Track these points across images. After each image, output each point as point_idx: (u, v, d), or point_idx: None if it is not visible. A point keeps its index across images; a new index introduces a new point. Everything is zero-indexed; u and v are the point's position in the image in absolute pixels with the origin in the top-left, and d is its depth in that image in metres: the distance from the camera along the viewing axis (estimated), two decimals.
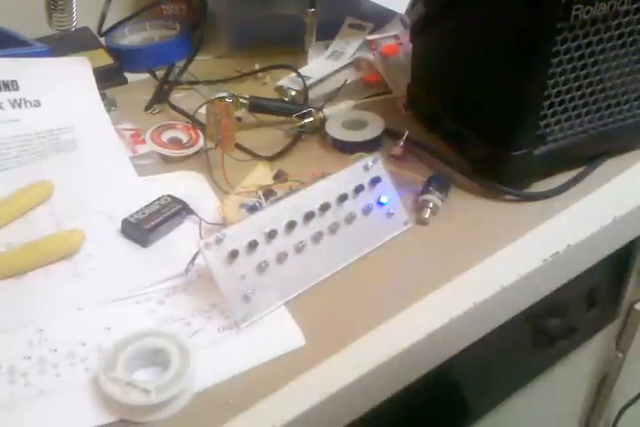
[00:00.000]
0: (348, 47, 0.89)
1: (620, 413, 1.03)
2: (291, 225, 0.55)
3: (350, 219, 0.59)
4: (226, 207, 0.61)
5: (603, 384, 1.02)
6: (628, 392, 1.01)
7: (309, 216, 0.56)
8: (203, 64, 0.91)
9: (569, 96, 0.61)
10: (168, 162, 0.72)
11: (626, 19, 0.58)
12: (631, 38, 0.60)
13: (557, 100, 0.61)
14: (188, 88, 0.85)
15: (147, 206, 0.62)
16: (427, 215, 0.62)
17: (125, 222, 0.61)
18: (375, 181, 0.60)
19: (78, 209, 0.64)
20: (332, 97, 0.81)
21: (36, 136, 0.72)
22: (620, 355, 0.97)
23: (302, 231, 0.56)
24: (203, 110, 0.73)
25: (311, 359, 0.50)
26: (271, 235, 0.54)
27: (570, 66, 0.59)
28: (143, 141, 0.73)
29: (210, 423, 0.46)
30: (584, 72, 0.60)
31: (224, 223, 0.60)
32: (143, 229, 0.60)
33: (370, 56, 0.85)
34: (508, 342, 0.70)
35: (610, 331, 0.93)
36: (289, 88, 0.83)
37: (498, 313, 0.59)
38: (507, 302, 0.58)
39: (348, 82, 0.83)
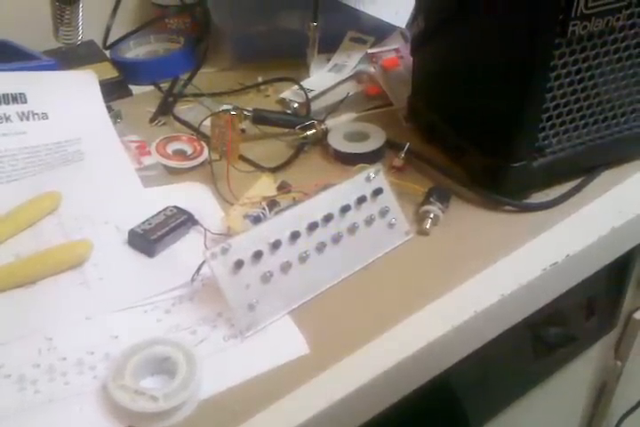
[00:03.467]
0: (350, 60, 0.90)
1: (620, 421, 1.03)
2: (294, 235, 0.56)
3: (353, 229, 0.60)
4: (230, 218, 0.62)
5: (602, 393, 1.03)
6: (627, 401, 1.02)
7: (313, 227, 0.57)
8: (207, 77, 0.92)
9: (567, 109, 0.62)
10: (173, 173, 0.73)
11: (622, 34, 0.60)
12: (627, 53, 0.61)
13: (555, 113, 0.62)
14: (192, 100, 0.86)
15: (153, 217, 0.63)
16: (428, 226, 0.63)
17: (132, 233, 0.62)
18: (377, 192, 0.61)
19: (85, 220, 0.65)
20: (333, 109, 0.82)
21: (44, 148, 0.73)
22: (619, 363, 0.97)
23: (306, 242, 0.57)
24: (207, 122, 0.74)
25: (315, 368, 0.51)
26: (275, 245, 0.55)
27: (567, 80, 0.60)
28: (149, 153, 0.74)
29: None
30: (581, 86, 0.61)
31: (229, 234, 0.61)
32: (149, 239, 0.61)
33: (371, 69, 0.87)
34: (507, 351, 0.71)
35: (609, 340, 0.94)
36: (291, 100, 0.85)
37: (498, 322, 0.60)
38: (507, 310, 0.59)
39: (349, 94, 0.84)
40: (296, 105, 0.84)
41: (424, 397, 0.57)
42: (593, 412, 1.07)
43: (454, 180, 0.68)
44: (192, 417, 0.48)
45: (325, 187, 0.60)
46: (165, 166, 0.73)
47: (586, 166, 0.69)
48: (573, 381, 0.95)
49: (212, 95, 0.86)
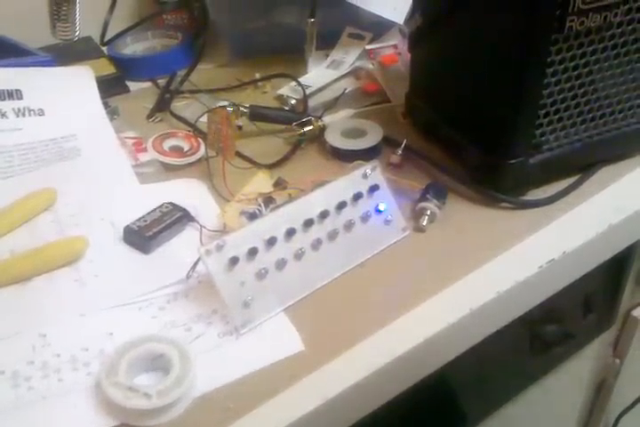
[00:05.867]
0: (348, 56, 0.90)
1: (618, 418, 1.03)
2: (290, 232, 0.56)
3: (349, 226, 0.59)
4: (226, 215, 0.62)
5: (600, 390, 1.03)
6: (625, 398, 1.02)
7: (309, 223, 0.57)
8: (204, 73, 0.91)
9: (564, 105, 0.62)
10: (169, 170, 0.73)
11: (619, 30, 0.59)
12: (624, 49, 0.61)
13: (553, 109, 0.62)
14: (189, 97, 0.86)
15: (148, 214, 0.63)
16: (424, 223, 0.63)
17: (127, 229, 0.62)
18: (374, 188, 0.61)
19: (81, 216, 0.65)
20: (331, 106, 0.82)
21: (40, 144, 0.72)
22: (618, 361, 0.97)
23: (302, 238, 0.57)
24: (204, 119, 0.74)
25: (310, 365, 0.51)
26: (271, 242, 0.55)
27: (565, 76, 0.60)
28: (145, 150, 0.74)
29: None
30: (579, 82, 0.61)
31: (224, 230, 0.61)
32: (145, 236, 0.61)
33: (369, 65, 0.86)
34: (504, 348, 0.71)
35: (607, 337, 0.94)
36: (289, 97, 0.85)
37: (495, 319, 0.60)
38: (503, 308, 0.59)
39: (347, 91, 0.84)
40: (293, 101, 0.84)
41: (421, 394, 0.57)
42: (591, 409, 1.07)
43: (451, 176, 0.68)
44: (186, 414, 0.48)
45: (322, 183, 0.59)
46: (162, 163, 0.73)
47: (583, 163, 0.68)
48: (571, 378, 0.95)
49: (210, 91, 0.86)
